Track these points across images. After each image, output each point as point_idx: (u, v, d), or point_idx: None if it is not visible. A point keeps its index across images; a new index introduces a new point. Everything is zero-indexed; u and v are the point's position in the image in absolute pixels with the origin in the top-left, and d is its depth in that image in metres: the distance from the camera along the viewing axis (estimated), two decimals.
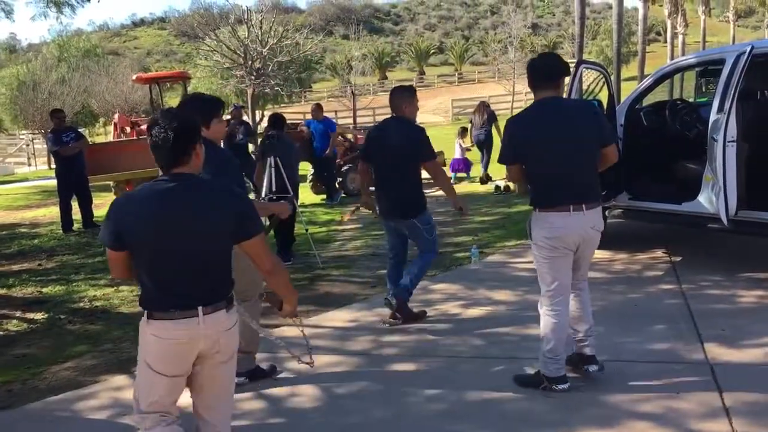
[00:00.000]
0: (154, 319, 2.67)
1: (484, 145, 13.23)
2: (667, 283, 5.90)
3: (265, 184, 7.51)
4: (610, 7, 32.21)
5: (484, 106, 13.68)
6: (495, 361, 4.48)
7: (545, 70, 3.84)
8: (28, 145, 31.22)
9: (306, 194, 11.55)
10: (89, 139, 11.32)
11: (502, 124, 13.07)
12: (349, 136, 13.85)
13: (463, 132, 13.97)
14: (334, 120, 14.60)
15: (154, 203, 2.64)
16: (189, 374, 2.77)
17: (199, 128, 2.79)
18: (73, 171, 10.09)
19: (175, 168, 2.68)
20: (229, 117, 12.61)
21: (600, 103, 6.70)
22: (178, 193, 2.64)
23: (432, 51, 68.71)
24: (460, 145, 13.86)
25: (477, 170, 13.58)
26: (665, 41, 37.21)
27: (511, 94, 37.36)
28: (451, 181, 13.44)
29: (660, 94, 9.14)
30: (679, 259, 6.57)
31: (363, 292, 6.30)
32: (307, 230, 7.89)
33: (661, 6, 35.60)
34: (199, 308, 2.65)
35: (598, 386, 3.94)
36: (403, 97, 5.09)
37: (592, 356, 3.96)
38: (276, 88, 25.09)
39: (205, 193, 2.71)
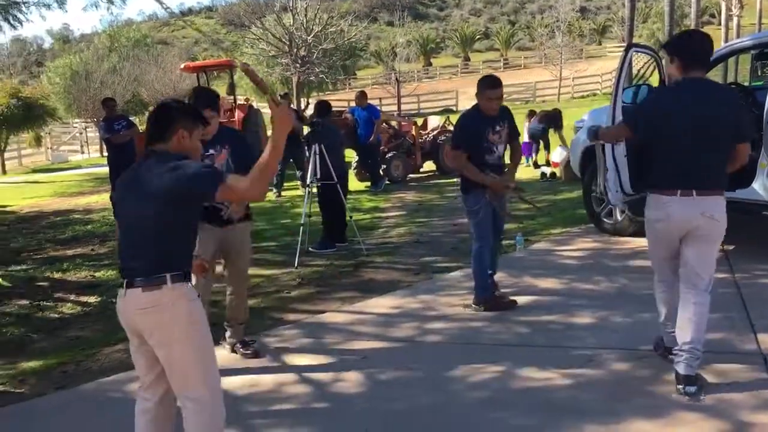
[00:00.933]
0: None
1: (541, 137, 12.99)
2: (719, 271, 5.67)
3: (309, 170, 7.56)
4: None
5: (556, 113, 13.17)
6: (540, 350, 4.44)
7: (704, 50, 3.71)
8: (81, 134, 32.05)
9: (350, 181, 11.59)
10: (139, 127, 11.52)
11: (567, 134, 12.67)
12: (394, 123, 13.83)
13: (531, 115, 13.74)
14: (378, 107, 14.60)
15: (127, 175, 2.91)
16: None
17: (178, 114, 2.90)
18: (125, 158, 10.29)
19: (150, 144, 2.89)
20: None
21: (651, 87, 6.55)
22: (139, 164, 2.87)
23: (477, 37, 67.93)
24: (527, 129, 13.58)
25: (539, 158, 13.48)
26: (719, 23, 36.07)
27: (558, 80, 36.77)
28: (524, 164, 13.21)
29: (714, 78, 8.87)
30: (732, 247, 6.39)
31: (407, 279, 6.31)
32: (351, 217, 7.93)
33: None
34: (125, 281, 2.80)
35: (647, 376, 3.89)
36: (476, 87, 5.17)
37: (687, 376, 3.61)
38: (321, 76, 25.26)
39: (151, 165, 2.78)
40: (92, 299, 6.37)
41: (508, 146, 5.35)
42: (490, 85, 5.07)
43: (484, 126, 5.10)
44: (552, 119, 12.92)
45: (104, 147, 12.11)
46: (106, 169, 11.31)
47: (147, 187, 2.73)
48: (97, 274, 7.24)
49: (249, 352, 4.65)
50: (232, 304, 4.69)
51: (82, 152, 30.31)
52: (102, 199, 12.61)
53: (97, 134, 24.80)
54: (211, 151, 4.39)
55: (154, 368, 2.89)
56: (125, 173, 2.93)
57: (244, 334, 4.71)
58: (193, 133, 2.90)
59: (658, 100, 3.84)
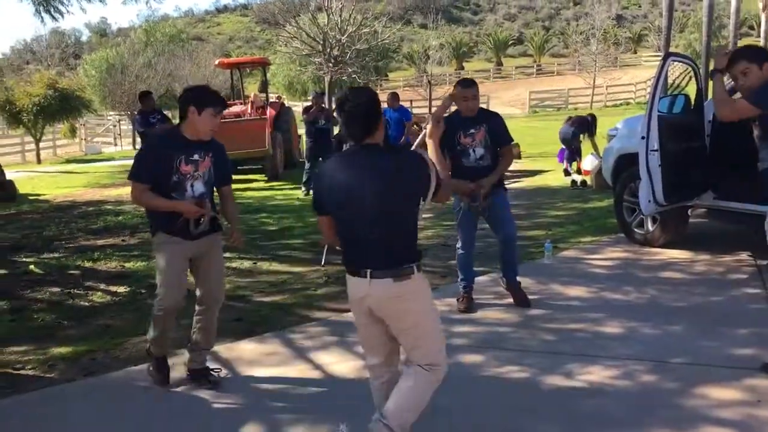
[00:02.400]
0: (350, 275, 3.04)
1: (571, 142, 12.47)
2: (752, 287, 5.66)
3: None
4: None
5: (591, 118, 12.73)
6: (565, 357, 4.40)
7: None
8: (114, 126, 32.54)
9: None
10: (173, 121, 11.67)
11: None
12: (424, 125, 13.80)
13: (568, 120, 13.46)
14: (409, 109, 14.59)
15: (345, 171, 2.96)
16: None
17: (378, 106, 3.01)
18: None
19: (364, 139, 2.96)
20: (310, 104, 12.89)
21: (687, 97, 6.47)
22: (366, 159, 2.95)
23: (511, 42, 67.58)
24: (559, 133, 13.24)
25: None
26: (758, 35, 35.56)
27: (591, 87, 36.47)
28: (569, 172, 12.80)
29: None
30: (765, 263, 6.29)
31: (433, 281, 6.28)
32: None
33: None
34: (368, 270, 2.93)
35: (675, 389, 3.84)
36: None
37: None
38: (353, 76, 25.30)
39: (392, 156, 3.03)
40: (122, 289, 6.45)
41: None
42: (462, 84, 5.34)
43: (456, 128, 5.20)
44: (586, 124, 12.56)
45: (137, 140, 12.26)
46: None
47: (391, 182, 2.90)
48: (126, 265, 7.33)
49: (209, 380, 4.17)
50: (198, 327, 4.16)
51: (115, 144, 30.76)
52: None
53: (131, 127, 25.11)
54: (196, 156, 3.90)
55: (388, 345, 3.14)
56: (349, 168, 2.96)
57: (207, 362, 4.25)
58: None
59: None
